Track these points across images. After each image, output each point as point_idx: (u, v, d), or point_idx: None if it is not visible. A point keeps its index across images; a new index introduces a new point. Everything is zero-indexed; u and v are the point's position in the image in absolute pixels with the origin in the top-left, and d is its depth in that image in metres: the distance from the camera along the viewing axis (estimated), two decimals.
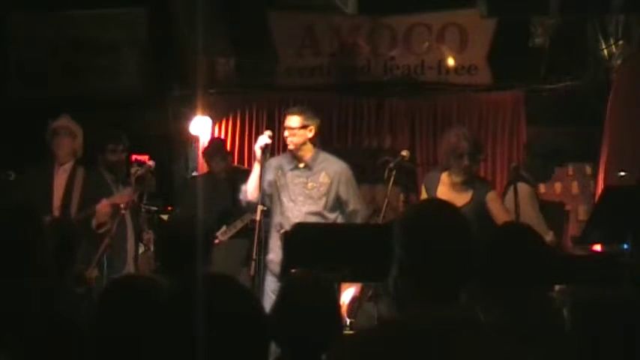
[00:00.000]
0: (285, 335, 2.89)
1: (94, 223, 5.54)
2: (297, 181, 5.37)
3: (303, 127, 5.36)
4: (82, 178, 5.80)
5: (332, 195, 5.38)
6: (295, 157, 5.42)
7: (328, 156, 5.52)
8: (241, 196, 5.51)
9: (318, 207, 5.35)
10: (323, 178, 5.39)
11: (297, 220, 5.17)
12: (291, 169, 5.40)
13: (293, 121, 5.37)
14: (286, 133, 5.39)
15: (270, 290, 5.26)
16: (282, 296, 3.08)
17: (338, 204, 5.41)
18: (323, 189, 5.38)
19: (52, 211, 5.63)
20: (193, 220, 3.95)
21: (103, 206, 5.56)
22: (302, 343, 2.87)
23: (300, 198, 5.35)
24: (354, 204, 5.46)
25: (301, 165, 5.40)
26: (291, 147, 5.39)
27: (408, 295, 2.05)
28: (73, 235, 4.12)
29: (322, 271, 3.20)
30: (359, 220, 5.47)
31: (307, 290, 3.00)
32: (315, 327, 2.88)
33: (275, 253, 5.31)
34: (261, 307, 1.88)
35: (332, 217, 5.38)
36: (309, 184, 5.38)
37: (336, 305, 3.09)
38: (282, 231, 5.14)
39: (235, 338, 1.76)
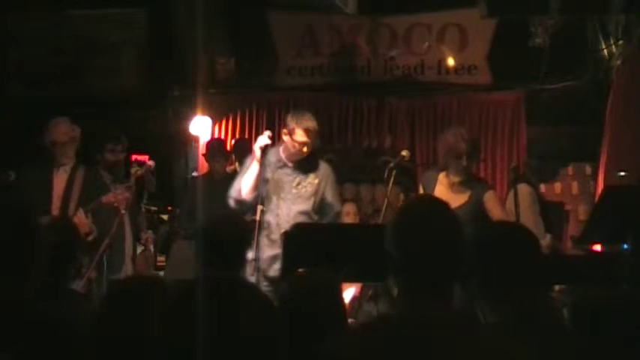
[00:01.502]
0: (289, 336, 2.89)
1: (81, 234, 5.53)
2: (286, 180, 5.35)
3: (317, 131, 5.37)
4: (82, 178, 5.80)
5: (319, 196, 5.38)
6: (287, 156, 5.39)
7: (313, 157, 5.50)
8: (233, 194, 5.37)
9: (307, 206, 5.34)
10: (312, 178, 5.38)
11: (286, 219, 5.19)
12: (280, 167, 5.36)
13: (312, 124, 5.28)
14: (304, 138, 5.24)
15: None
16: (285, 297, 3.08)
17: (321, 205, 5.41)
18: (311, 189, 5.37)
19: (51, 211, 5.64)
20: (236, 219, 3.98)
21: (79, 218, 5.54)
22: (306, 344, 2.87)
23: (289, 196, 5.33)
24: (337, 206, 5.51)
25: (290, 164, 5.38)
26: (305, 150, 5.30)
27: (402, 293, 2.05)
28: (73, 235, 4.11)
29: (324, 271, 3.21)
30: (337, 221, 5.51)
31: (311, 291, 3.00)
32: (320, 327, 2.88)
33: (261, 251, 5.28)
34: (275, 316, 1.89)
35: (316, 218, 5.38)
36: (299, 184, 5.37)
37: (341, 305, 3.09)
38: (281, 231, 5.13)
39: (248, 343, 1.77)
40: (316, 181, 5.38)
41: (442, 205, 2.16)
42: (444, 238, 2.03)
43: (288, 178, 5.35)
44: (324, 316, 2.90)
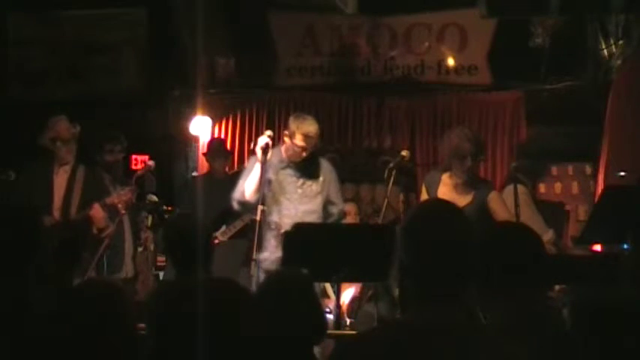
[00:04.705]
0: (266, 334, 2.92)
1: (94, 229, 5.53)
2: (290, 180, 5.36)
3: (318, 134, 5.36)
4: (83, 178, 5.80)
5: (324, 194, 5.40)
6: (289, 156, 5.39)
7: (315, 156, 5.49)
8: (237, 195, 5.39)
9: (314, 206, 5.35)
10: (315, 177, 5.39)
11: (294, 219, 5.18)
12: (283, 168, 5.37)
13: (313, 129, 5.30)
14: (304, 142, 5.26)
15: None
16: (258, 297, 3.14)
17: (326, 204, 5.42)
18: (316, 188, 5.38)
19: (53, 211, 5.64)
20: (194, 219, 3.94)
21: (96, 211, 5.55)
22: (285, 341, 2.90)
23: (295, 196, 5.34)
24: (341, 204, 5.54)
25: (292, 164, 5.38)
26: (304, 154, 5.32)
27: (410, 295, 2.05)
28: (79, 236, 4.12)
29: (321, 270, 3.23)
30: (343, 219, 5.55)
31: (282, 289, 3.04)
32: (295, 324, 2.91)
33: (269, 252, 5.29)
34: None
35: (323, 215, 5.40)
36: (304, 183, 5.37)
37: (315, 301, 3.11)
38: (282, 231, 5.13)
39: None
40: (320, 179, 5.40)
41: (453, 207, 2.16)
42: (456, 242, 2.03)
43: (292, 178, 5.36)
44: (297, 313, 2.94)
